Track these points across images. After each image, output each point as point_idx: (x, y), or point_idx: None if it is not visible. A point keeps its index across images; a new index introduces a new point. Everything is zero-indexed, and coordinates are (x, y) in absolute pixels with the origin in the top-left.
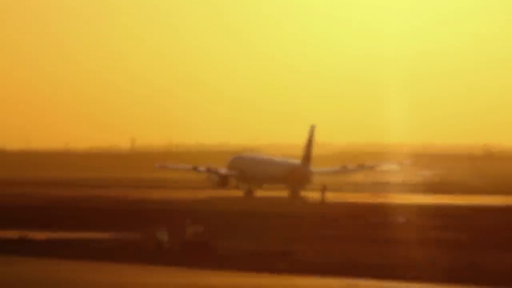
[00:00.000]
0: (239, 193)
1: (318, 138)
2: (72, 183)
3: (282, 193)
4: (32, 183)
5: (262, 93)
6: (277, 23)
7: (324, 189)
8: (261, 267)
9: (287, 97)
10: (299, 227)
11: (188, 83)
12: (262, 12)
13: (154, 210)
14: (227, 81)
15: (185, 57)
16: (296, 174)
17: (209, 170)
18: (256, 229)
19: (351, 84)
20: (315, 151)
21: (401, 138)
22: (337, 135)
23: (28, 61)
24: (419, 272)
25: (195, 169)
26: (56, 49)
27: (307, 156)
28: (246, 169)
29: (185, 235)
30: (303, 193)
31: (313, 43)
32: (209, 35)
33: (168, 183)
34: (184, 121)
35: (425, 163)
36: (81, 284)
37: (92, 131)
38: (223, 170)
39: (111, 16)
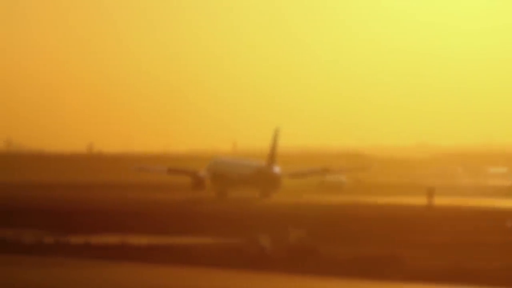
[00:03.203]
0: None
1: (424, 141)
2: (170, 187)
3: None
4: (132, 186)
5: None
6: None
7: (431, 192)
8: (368, 272)
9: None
10: (405, 231)
11: (291, 84)
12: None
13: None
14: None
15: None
16: (261, 175)
17: (184, 173)
18: (360, 233)
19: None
20: (423, 153)
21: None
22: (446, 137)
23: (132, 66)
24: None
25: (170, 171)
26: (159, 54)
27: (272, 158)
28: (219, 171)
29: (289, 240)
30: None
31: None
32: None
33: None
34: (288, 123)
35: None
36: None
37: (193, 134)
38: (200, 173)
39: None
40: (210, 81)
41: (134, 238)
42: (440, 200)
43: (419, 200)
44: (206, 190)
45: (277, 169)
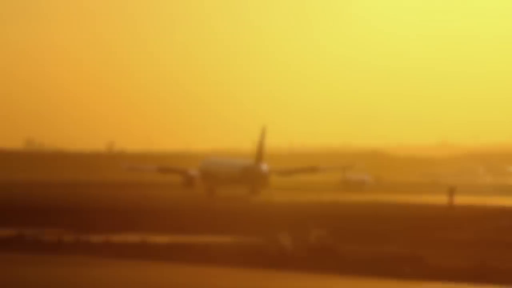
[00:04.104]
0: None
1: (446, 140)
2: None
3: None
4: (155, 185)
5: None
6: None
7: (452, 191)
8: (389, 272)
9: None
10: (425, 230)
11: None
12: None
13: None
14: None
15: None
16: (248, 173)
17: (175, 171)
18: (380, 233)
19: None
20: (444, 152)
21: None
22: (467, 136)
23: (154, 66)
24: None
25: (160, 170)
26: (182, 54)
27: (259, 156)
28: (209, 170)
29: (309, 239)
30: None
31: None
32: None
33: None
34: (312, 122)
35: None
36: None
37: (216, 133)
38: (191, 172)
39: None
40: (233, 81)
41: (153, 237)
42: (461, 199)
43: (440, 199)
44: (196, 188)
45: (264, 167)
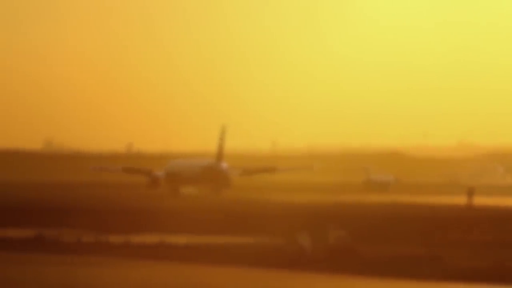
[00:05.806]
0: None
1: (466, 140)
2: None
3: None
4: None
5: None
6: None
7: (471, 192)
8: (408, 272)
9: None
10: (445, 231)
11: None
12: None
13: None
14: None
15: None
16: (209, 172)
17: (139, 172)
18: (398, 234)
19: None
20: (463, 152)
21: None
22: (486, 136)
23: (171, 66)
24: None
25: (125, 170)
26: (198, 53)
27: (219, 155)
28: (173, 171)
29: (328, 240)
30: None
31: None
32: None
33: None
34: (330, 122)
35: None
36: None
37: (234, 133)
38: (156, 173)
39: None
40: (249, 82)
41: (171, 238)
42: (481, 200)
43: (459, 200)
44: (161, 188)
45: (224, 166)
